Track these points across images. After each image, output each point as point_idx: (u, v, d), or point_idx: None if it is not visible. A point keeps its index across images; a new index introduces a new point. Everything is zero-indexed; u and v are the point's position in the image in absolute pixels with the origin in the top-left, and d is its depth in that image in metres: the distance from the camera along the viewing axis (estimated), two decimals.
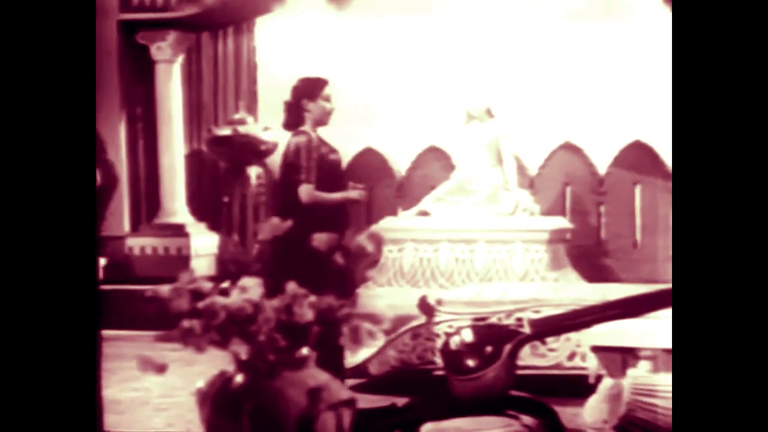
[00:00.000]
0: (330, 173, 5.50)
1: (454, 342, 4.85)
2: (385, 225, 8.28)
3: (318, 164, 5.42)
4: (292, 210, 5.38)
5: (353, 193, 5.58)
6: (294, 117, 5.52)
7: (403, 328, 6.06)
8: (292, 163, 5.45)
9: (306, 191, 5.41)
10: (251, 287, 2.62)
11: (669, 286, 5.38)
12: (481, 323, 5.65)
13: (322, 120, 5.51)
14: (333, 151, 5.61)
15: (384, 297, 7.37)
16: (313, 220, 5.32)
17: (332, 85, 5.55)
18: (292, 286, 2.56)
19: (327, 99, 5.50)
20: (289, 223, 2.82)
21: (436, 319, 6.05)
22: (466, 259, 8.14)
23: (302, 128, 5.47)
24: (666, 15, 8.77)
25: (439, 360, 5.43)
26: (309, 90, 5.49)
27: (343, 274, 5.49)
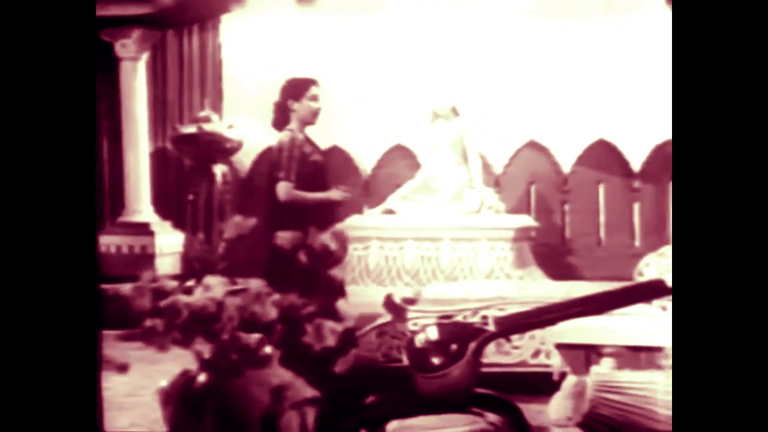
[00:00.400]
0: (314, 173, 5.48)
1: (419, 340, 4.85)
2: (350, 223, 8.27)
3: (300, 163, 5.42)
4: (276, 208, 5.41)
5: (335, 194, 5.55)
6: (281, 117, 5.54)
7: (368, 327, 6.06)
8: (274, 161, 5.47)
9: (284, 189, 5.42)
10: (214, 285, 2.61)
11: (632, 283, 5.44)
12: (446, 321, 5.66)
13: (308, 120, 5.53)
14: (318, 151, 5.62)
15: (349, 295, 7.36)
16: (296, 219, 5.33)
17: (320, 85, 5.55)
18: (255, 284, 2.56)
19: (313, 99, 5.51)
20: (253, 221, 2.81)
21: (402, 316, 6.06)
22: (432, 257, 8.16)
23: (289, 127, 5.49)
24: (631, 17, 8.86)
25: (404, 358, 5.44)
26: (295, 90, 5.50)
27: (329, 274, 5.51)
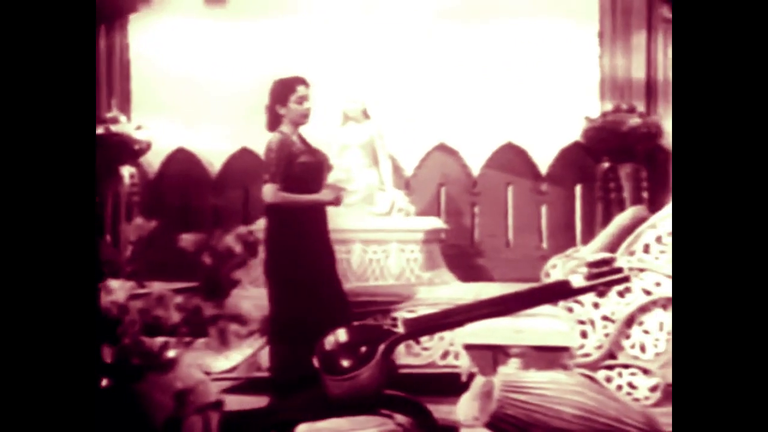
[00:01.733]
0: (303, 175, 5.37)
1: (329, 342, 4.85)
2: (261, 225, 8.22)
3: (287, 165, 5.32)
4: (269, 211, 5.35)
5: (326, 194, 5.43)
6: (272, 119, 5.47)
7: None
8: (263, 163, 5.41)
9: (267, 191, 5.36)
10: (117, 289, 2.57)
11: (538, 285, 5.52)
12: (355, 323, 5.67)
13: (298, 121, 5.44)
14: (310, 152, 5.48)
15: (259, 298, 7.33)
16: (288, 221, 5.28)
17: (308, 84, 5.46)
18: (158, 287, 2.53)
19: (299, 101, 5.41)
20: (154, 223, 2.78)
21: None
22: (343, 259, 8.14)
23: (280, 128, 5.41)
24: (539, 21, 8.99)
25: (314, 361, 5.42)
26: (280, 94, 5.42)
27: (332, 277, 5.47)
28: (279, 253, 5.40)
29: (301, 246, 5.35)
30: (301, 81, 5.48)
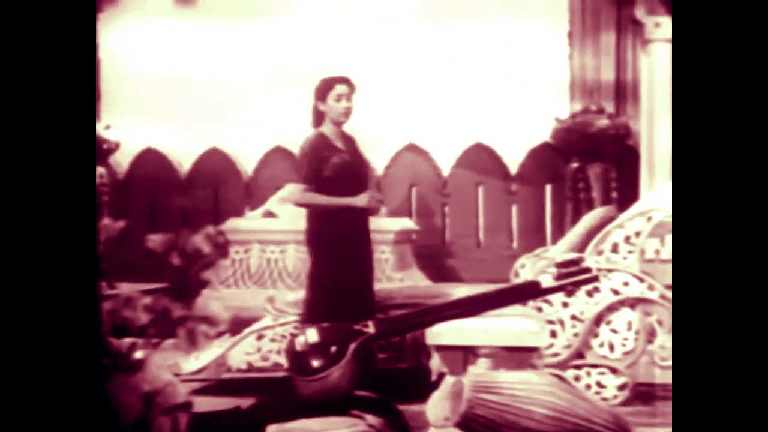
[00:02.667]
0: (336, 176, 5.28)
1: (299, 342, 4.85)
2: (230, 226, 8.22)
3: (318, 165, 5.26)
4: (309, 211, 5.32)
5: (361, 199, 5.29)
6: (315, 117, 5.40)
7: (247, 330, 6.01)
8: (296, 162, 5.39)
9: (294, 192, 5.32)
10: None
11: (507, 285, 5.54)
12: (326, 324, 5.67)
13: (337, 120, 5.36)
14: (351, 153, 5.40)
15: (229, 298, 7.32)
16: (322, 222, 5.25)
17: (350, 83, 5.39)
18: (126, 287, 2.51)
19: (338, 99, 5.33)
20: (121, 223, 2.77)
21: (282, 320, 6.03)
22: None
23: (321, 128, 5.36)
24: (508, 21, 9.03)
25: (284, 361, 5.41)
26: (319, 91, 5.37)
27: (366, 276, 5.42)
28: (319, 254, 5.38)
29: (339, 248, 5.31)
30: (343, 80, 5.42)
